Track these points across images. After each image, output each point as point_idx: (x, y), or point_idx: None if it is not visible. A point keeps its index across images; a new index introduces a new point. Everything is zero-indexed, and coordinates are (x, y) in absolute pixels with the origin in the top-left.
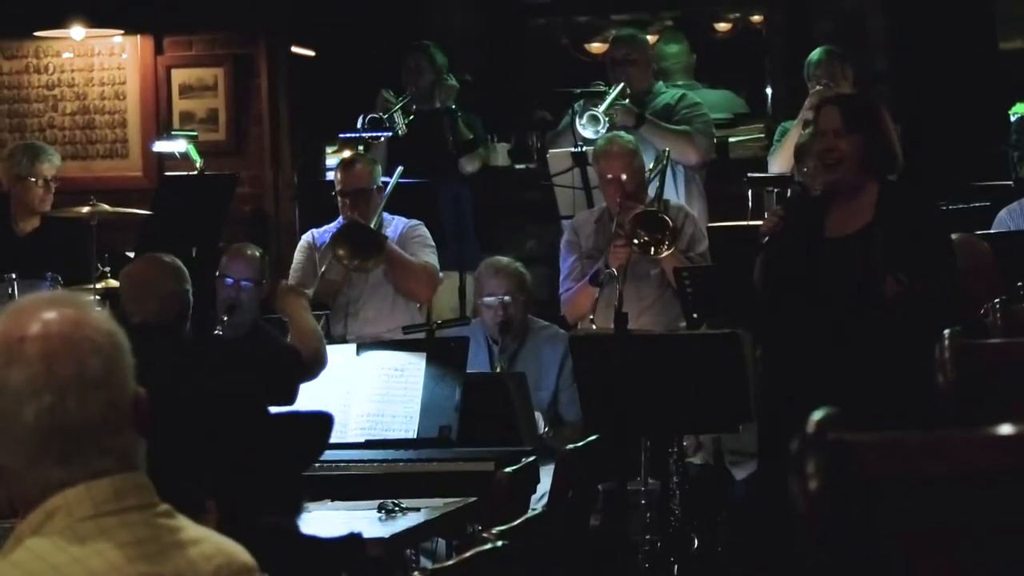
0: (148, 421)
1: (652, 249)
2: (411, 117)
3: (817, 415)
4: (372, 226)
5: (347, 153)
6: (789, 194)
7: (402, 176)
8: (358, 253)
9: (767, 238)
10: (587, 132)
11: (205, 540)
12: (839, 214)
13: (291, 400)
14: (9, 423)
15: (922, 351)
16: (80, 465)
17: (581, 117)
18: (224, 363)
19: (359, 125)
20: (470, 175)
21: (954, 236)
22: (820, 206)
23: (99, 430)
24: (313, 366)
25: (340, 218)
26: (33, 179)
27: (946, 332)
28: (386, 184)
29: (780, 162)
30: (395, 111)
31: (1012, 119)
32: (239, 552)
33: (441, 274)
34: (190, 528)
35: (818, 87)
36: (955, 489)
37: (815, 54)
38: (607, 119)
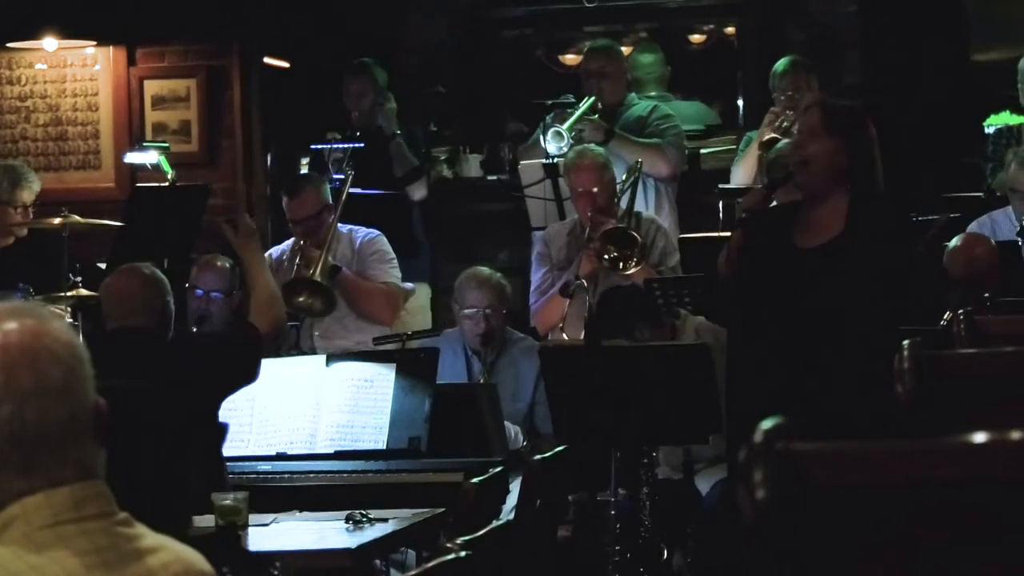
0: (108, 431)
1: (621, 264)
2: (356, 144)
3: (766, 425)
4: (325, 249)
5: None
6: (769, 175)
7: (366, 188)
8: (309, 298)
9: (746, 215)
10: (551, 148)
11: (163, 548)
12: (807, 223)
13: (253, 378)
14: None
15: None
16: (40, 474)
17: (546, 133)
18: (187, 362)
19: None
20: (420, 200)
21: (958, 237)
22: (789, 213)
23: (59, 440)
24: (271, 331)
25: (292, 239)
26: (12, 207)
27: (905, 343)
28: (340, 194)
29: (743, 173)
30: (347, 162)
31: (988, 131)
32: (197, 560)
33: (411, 285)
34: (148, 536)
35: (782, 98)
36: (902, 499)
37: (780, 65)
38: (571, 135)
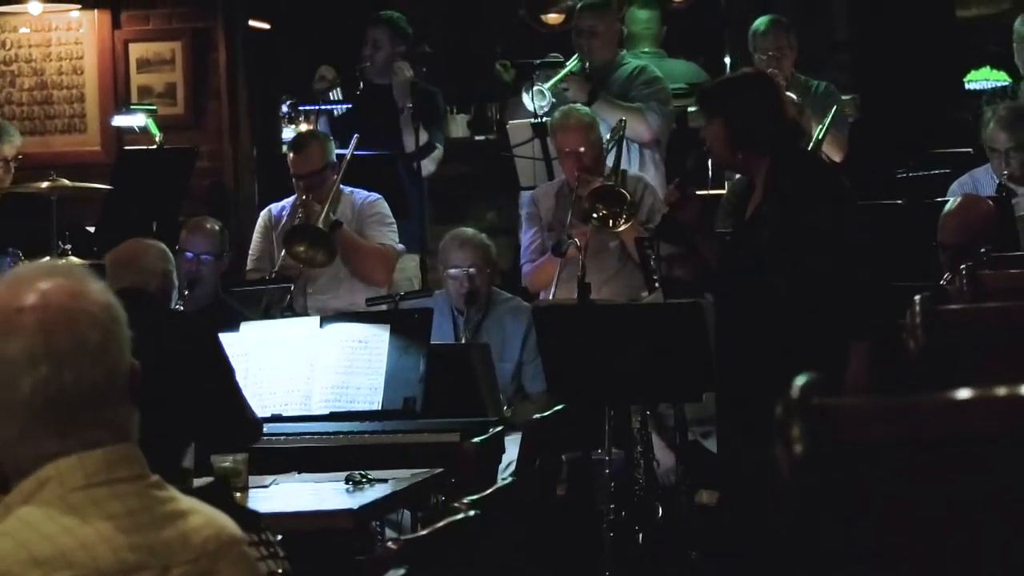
0: (140, 392)
1: (611, 222)
2: (358, 90)
3: (800, 380)
4: (327, 204)
5: (302, 128)
6: (688, 164)
7: (359, 148)
8: (309, 249)
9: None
10: (532, 106)
11: (195, 512)
12: (753, 196)
13: (215, 435)
14: (5, 394)
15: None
16: (75, 436)
17: (529, 92)
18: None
19: (284, 110)
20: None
21: (955, 199)
22: (751, 187)
23: (95, 402)
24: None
25: (294, 196)
26: None
27: (916, 298)
28: (341, 157)
29: None
30: (322, 91)
31: (971, 87)
32: (228, 524)
33: (402, 246)
34: (180, 499)
35: (763, 58)
36: (937, 452)
37: (760, 24)
38: (553, 94)
